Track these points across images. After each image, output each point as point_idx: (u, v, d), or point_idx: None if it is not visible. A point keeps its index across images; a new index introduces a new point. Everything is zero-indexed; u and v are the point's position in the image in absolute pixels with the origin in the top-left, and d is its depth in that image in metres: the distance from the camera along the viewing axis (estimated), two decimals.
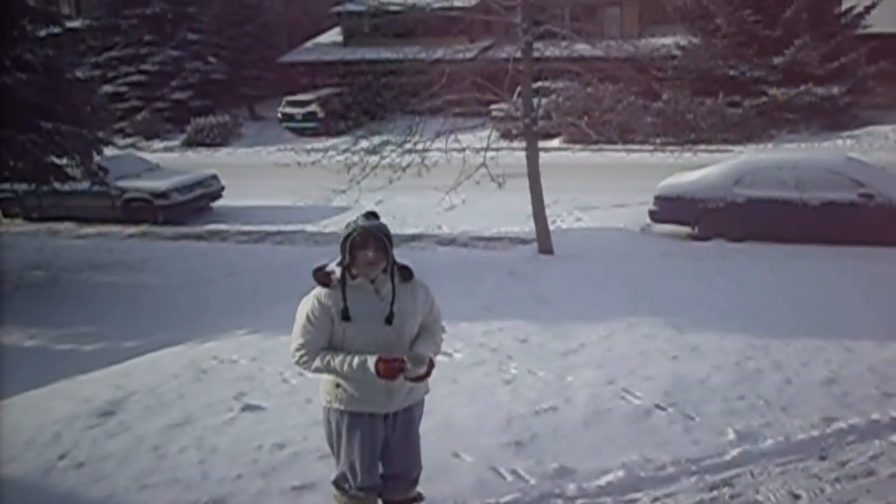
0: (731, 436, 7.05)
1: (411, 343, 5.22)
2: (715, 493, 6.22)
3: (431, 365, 5.16)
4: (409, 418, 5.43)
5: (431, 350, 5.27)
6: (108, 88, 34.13)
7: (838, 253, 13.98)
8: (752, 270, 12.98)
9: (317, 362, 5.10)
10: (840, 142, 26.22)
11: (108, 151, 19.44)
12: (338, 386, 5.19)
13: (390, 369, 4.97)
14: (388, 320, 5.10)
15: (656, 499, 6.16)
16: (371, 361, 4.98)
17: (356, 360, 5.01)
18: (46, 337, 12.64)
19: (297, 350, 5.14)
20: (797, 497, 6.09)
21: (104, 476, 6.90)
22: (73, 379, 9.89)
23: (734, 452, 6.78)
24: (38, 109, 15.42)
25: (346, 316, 5.05)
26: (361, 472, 5.32)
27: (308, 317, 5.09)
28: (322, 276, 5.13)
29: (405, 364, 5.01)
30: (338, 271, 5.10)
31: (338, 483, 5.50)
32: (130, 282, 15.83)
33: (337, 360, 5.05)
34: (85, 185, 17.76)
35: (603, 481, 6.36)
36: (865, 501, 5.95)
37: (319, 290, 5.11)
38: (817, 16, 27.45)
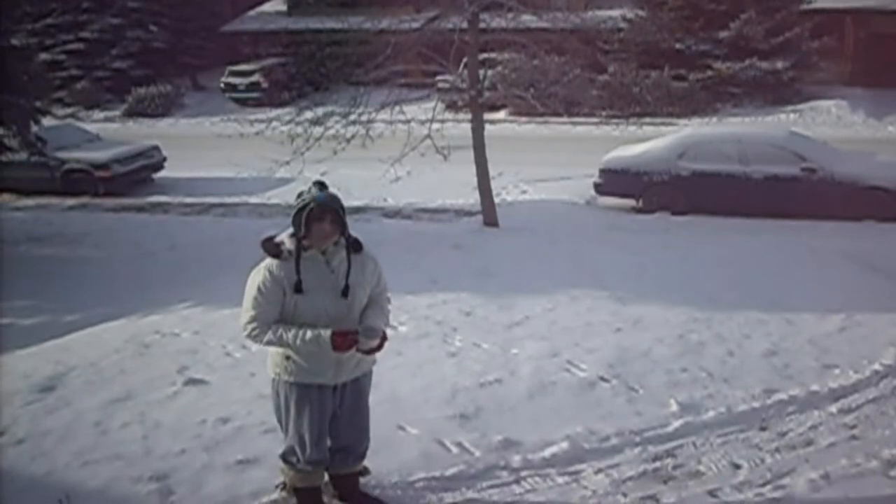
0: (674, 407, 7.12)
1: (360, 315, 5.21)
2: (658, 463, 6.28)
3: (384, 337, 5.18)
4: (357, 389, 5.43)
5: (383, 322, 5.28)
6: (45, 56, 33.16)
7: (781, 227, 14.17)
8: (696, 244, 13.09)
9: (269, 335, 5.05)
10: (783, 116, 26.54)
11: (47, 121, 19.07)
12: (287, 358, 5.15)
13: (345, 342, 4.98)
14: (344, 293, 5.10)
15: (600, 470, 6.20)
16: (325, 335, 4.96)
17: (309, 333, 4.99)
18: None
19: (249, 323, 5.07)
20: (738, 467, 6.17)
21: (44, 452, 6.78)
22: (12, 354, 9.71)
23: (677, 424, 6.85)
24: None
25: (298, 288, 5.02)
26: (310, 446, 5.29)
27: (259, 288, 5.03)
28: (272, 247, 5.07)
29: (358, 337, 5.02)
30: (288, 242, 5.06)
31: (285, 457, 5.47)
32: (70, 255, 15.56)
33: (290, 334, 5.01)
34: (23, 156, 17.40)
35: (547, 453, 6.39)
36: (804, 470, 6.04)
37: (270, 262, 5.05)
38: None
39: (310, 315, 5.05)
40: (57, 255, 15.55)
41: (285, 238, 5.09)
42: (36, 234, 16.96)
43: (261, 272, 5.06)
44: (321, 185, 5.09)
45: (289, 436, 5.38)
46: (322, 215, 4.97)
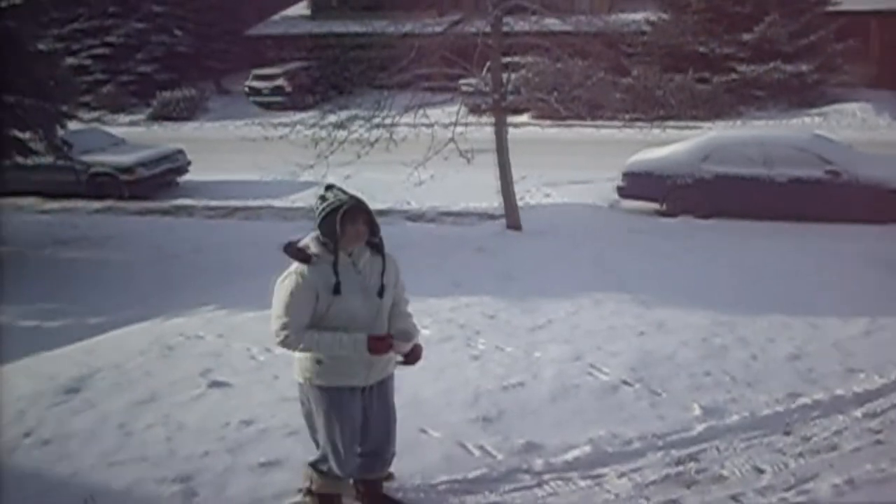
0: (697, 411, 7.10)
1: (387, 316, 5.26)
2: (681, 467, 6.26)
3: (418, 345, 5.34)
4: (384, 392, 5.45)
5: (412, 326, 5.38)
6: (71, 61, 33.37)
7: (805, 230, 14.08)
8: (720, 247, 13.04)
9: (305, 342, 5.02)
10: (808, 119, 26.38)
11: (73, 125, 19.21)
12: (319, 362, 5.13)
13: (383, 346, 5.07)
14: (380, 293, 5.13)
15: (623, 474, 6.19)
16: (362, 338, 5.01)
17: (346, 338, 5.01)
18: (10, 313, 12.45)
19: (282, 329, 5.02)
20: (761, 471, 6.15)
21: (70, 454, 6.84)
22: (38, 356, 9.76)
23: (700, 428, 6.83)
24: (0, 82, 15.17)
25: (337, 290, 5.00)
26: (344, 453, 5.29)
27: (292, 293, 4.99)
28: (299, 253, 5.03)
29: (393, 340, 5.14)
30: (314, 246, 5.04)
31: (317, 465, 5.46)
32: (96, 257, 15.67)
33: (327, 340, 5.01)
34: (49, 159, 17.55)
35: (570, 456, 6.39)
36: (828, 476, 6.01)
37: (301, 266, 5.01)
38: None
39: (343, 318, 5.04)
40: (82, 258, 15.67)
41: (310, 242, 5.08)
42: (61, 238, 17.08)
43: (292, 277, 5.02)
44: (336, 188, 5.10)
45: (322, 443, 5.36)
46: (356, 216, 4.98)
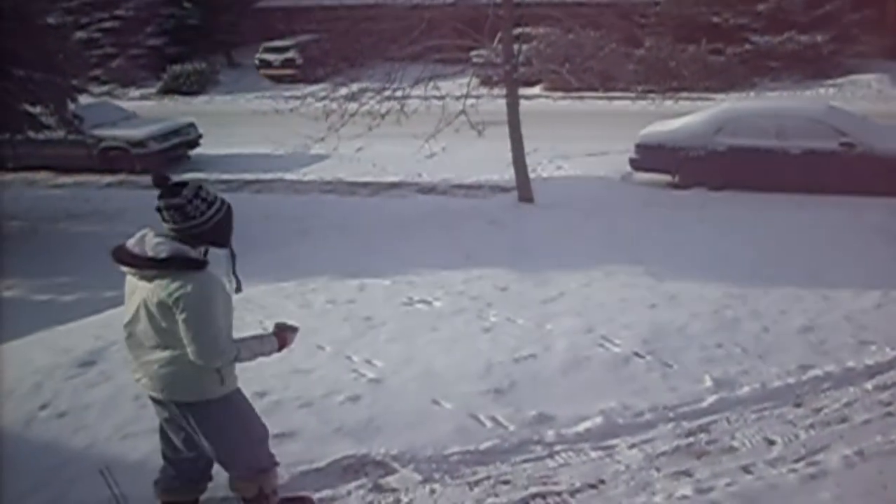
0: (709, 383, 7.12)
1: None
2: (692, 439, 6.29)
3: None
4: None
5: None
6: (81, 35, 33.20)
7: (818, 202, 14.00)
8: (732, 219, 13.00)
9: (243, 352, 4.77)
10: (823, 90, 26.16)
11: (84, 99, 19.23)
12: (219, 370, 4.83)
13: (284, 339, 5.07)
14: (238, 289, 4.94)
15: (634, 445, 6.22)
16: (270, 335, 5.00)
17: (262, 338, 5.00)
18: (25, 287, 12.56)
19: (225, 339, 4.67)
20: (772, 443, 6.17)
21: (86, 426, 6.90)
22: (53, 329, 9.85)
23: (711, 399, 6.85)
24: (9, 57, 15.15)
25: (239, 289, 4.89)
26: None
27: (213, 303, 4.59)
28: (193, 261, 4.63)
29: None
30: (192, 251, 4.68)
31: (265, 468, 5.19)
32: (109, 231, 15.61)
33: (251, 344, 4.88)
34: (60, 133, 17.59)
35: (581, 428, 6.42)
36: (838, 447, 6.03)
37: (208, 273, 4.63)
38: None
39: (228, 320, 4.77)
40: (95, 232, 15.69)
41: (182, 247, 4.65)
42: (74, 212, 17.14)
43: (209, 287, 4.60)
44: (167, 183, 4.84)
45: (251, 444, 5.13)
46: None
